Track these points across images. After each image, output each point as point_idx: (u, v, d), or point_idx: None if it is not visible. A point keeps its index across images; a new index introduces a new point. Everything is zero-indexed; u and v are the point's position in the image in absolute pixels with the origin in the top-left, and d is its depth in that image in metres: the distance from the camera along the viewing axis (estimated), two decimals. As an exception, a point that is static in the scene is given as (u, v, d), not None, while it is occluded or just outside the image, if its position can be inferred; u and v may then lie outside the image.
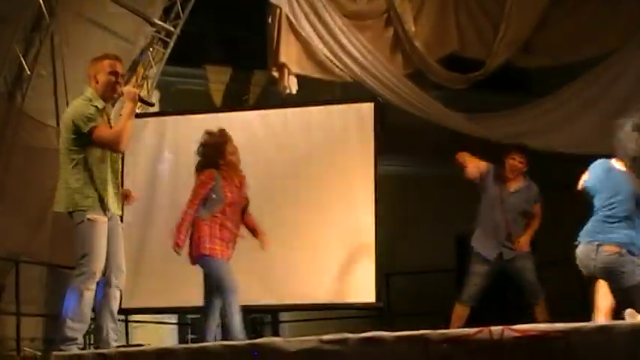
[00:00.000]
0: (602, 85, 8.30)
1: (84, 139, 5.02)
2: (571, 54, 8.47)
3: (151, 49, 9.26)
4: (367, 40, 8.55)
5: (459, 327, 6.77)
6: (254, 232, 6.45)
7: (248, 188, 6.41)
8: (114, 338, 5.20)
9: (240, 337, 5.89)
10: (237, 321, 6.01)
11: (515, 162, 6.92)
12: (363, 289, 7.95)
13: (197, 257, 6.14)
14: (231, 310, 6.03)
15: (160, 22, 9.24)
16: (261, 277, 7.90)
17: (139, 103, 5.35)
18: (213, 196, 6.14)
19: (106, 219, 5.07)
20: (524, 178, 6.98)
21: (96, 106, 5.08)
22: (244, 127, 8.35)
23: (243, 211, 6.38)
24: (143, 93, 8.73)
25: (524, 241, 6.86)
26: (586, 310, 6.15)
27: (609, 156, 5.82)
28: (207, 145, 6.29)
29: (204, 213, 6.15)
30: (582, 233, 5.03)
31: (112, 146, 5.07)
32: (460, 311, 6.94)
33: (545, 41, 8.46)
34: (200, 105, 10.22)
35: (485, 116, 8.80)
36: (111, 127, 5.16)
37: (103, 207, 5.04)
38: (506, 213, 6.88)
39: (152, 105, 6.00)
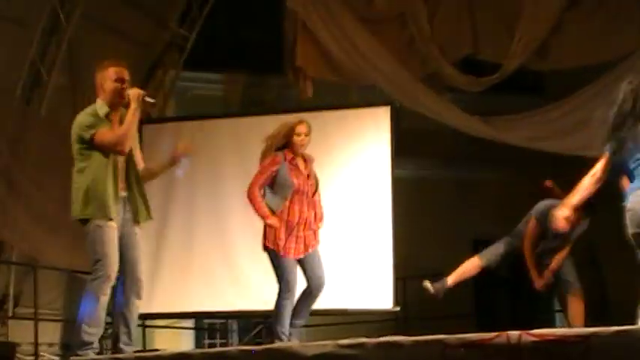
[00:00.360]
0: (614, 91, 8.22)
1: (89, 146, 5.10)
2: (586, 57, 8.40)
3: (167, 54, 9.30)
4: (382, 43, 8.52)
5: (461, 277, 6.94)
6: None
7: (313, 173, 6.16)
8: (126, 342, 5.19)
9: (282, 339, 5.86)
10: (285, 323, 5.94)
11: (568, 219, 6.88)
12: (380, 293, 7.95)
13: (264, 247, 6.05)
14: (280, 311, 5.96)
15: (176, 28, 9.28)
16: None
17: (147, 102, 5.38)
18: (281, 181, 5.99)
19: (114, 224, 5.09)
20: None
21: (98, 115, 5.15)
22: (260, 131, 8.36)
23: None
24: (158, 98, 8.76)
25: (543, 280, 6.88)
26: (605, 313, 6.14)
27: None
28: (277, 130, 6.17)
29: (274, 200, 5.97)
30: (630, 188, 4.90)
31: (115, 148, 5.10)
32: (471, 262, 6.93)
33: (560, 44, 8.40)
34: (216, 110, 10.24)
35: (501, 119, 8.75)
36: None
37: (108, 212, 5.06)
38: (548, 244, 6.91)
39: (154, 103, 5.93)
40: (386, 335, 4.54)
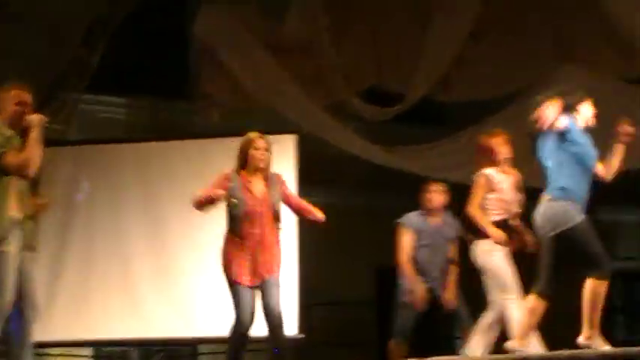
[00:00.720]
0: (515, 122, 8.43)
1: None
2: (489, 89, 8.62)
3: (69, 76, 9.12)
4: (289, 71, 8.56)
5: None
6: (304, 213, 5.82)
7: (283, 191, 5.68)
8: None
9: None
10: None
11: (431, 195, 6.87)
12: (285, 320, 7.90)
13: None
14: (228, 344, 5.55)
15: (78, 49, 9.11)
16: (180, 308, 7.81)
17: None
18: (233, 200, 5.53)
19: (14, 250, 4.94)
20: (445, 212, 6.90)
21: (3, 135, 5.02)
22: (166, 157, 8.28)
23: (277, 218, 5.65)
24: (59, 120, 8.58)
25: (449, 298, 6.72)
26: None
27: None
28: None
29: (229, 225, 5.59)
30: None
31: (20, 171, 4.99)
32: (393, 350, 6.78)
33: (463, 76, 8.59)
34: (120, 134, 10.07)
35: (406, 149, 8.87)
36: None
37: (7, 237, 4.92)
38: (430, 250, 6.79)
39: (62, 130, 5.82)
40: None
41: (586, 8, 8.12)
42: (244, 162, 5.70)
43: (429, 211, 6.86)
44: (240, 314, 5.56)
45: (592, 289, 4.94)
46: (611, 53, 8.14)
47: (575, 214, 5.00)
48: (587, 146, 5.13)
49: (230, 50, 8.55)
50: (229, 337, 5.60)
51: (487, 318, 6.13)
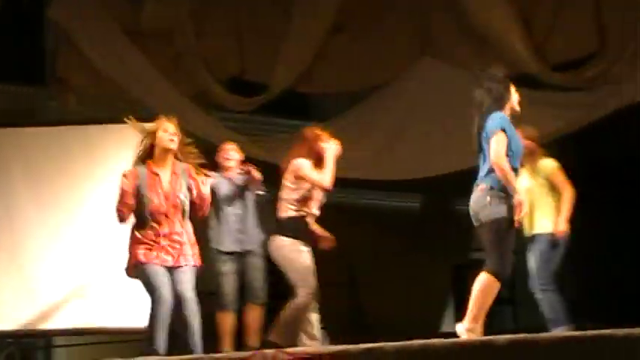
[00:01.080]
0: (376, 114, 8.62)
1: None
2: (350, 82, 8.74)
3: None
4: (149, 57, 8.42)
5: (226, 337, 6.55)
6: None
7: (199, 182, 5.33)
8: None
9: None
10: (157, 340, 5.04)
11: (224, 152, 6.83)
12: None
13: (128, 270, 5.28)
14: (150, 324, 5.05)
15: None
16: (33, 299, 7.59)
17: None
18: (140, 199, 5.20)
19: None
20: (242, 169, 6.78)
21: None
22: (19, 143, 8.01)
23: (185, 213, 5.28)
24: None
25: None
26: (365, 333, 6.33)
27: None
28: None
29: (135, 221, 5.27)
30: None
31: None
32: (220, 318, 6.59)
33: (325, 68, 8.67)
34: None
35: (270, 140, 8.90)
36: None
37: None
38: (230, 203, 6.68)
39: None
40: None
41: (445, 5, 8.35)
42: (148, 151, 5.33)
43: (225, 169, 6.81)
44: (154, 293, 5.13)
45: (487, 282, 4.90)
46: (467, 49, 8.37)
47: (503, 208, 5.00)
48: (516, 143, 5.13)
49: (87, 34, 8.34)
50: (149, 325, 5.12)
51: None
